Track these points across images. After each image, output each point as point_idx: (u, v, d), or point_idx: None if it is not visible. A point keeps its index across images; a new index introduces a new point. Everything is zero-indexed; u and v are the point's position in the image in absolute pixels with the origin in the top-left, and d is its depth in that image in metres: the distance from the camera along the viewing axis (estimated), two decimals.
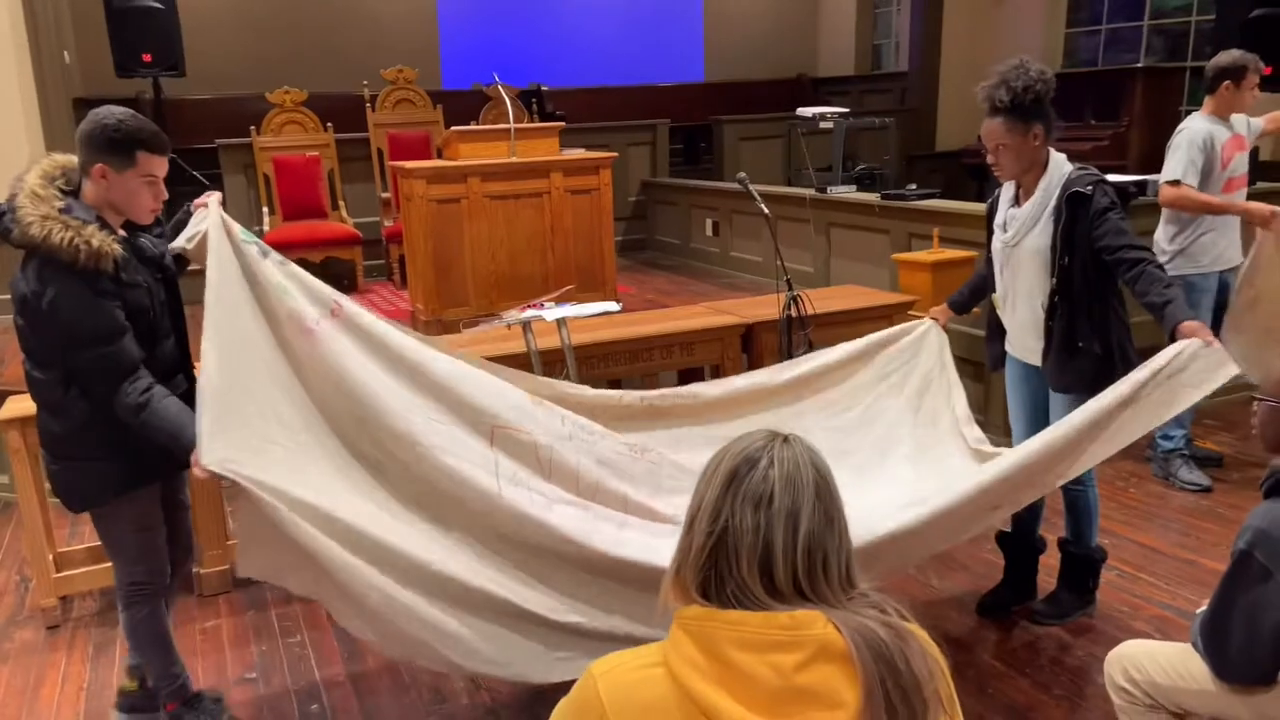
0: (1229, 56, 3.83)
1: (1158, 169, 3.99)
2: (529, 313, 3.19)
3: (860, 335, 3.84)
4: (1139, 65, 6.94)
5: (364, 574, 2.11)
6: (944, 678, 1.10)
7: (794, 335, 3.78)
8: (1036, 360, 2.80)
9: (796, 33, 10.88)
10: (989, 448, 2.73)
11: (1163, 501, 3.86)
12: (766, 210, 3.89)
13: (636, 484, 2.54)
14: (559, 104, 9.09)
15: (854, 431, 2.89)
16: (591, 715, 1.06)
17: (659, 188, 7.90)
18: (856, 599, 1.09)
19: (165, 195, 2.34)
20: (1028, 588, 3.07)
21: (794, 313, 3.73)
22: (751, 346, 4.14)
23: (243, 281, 2.30)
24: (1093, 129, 6.79)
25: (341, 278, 6.82)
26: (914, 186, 5.17)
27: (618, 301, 5.46)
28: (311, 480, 2.19)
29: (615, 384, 4.28)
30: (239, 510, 2.18)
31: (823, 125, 6.00)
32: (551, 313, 3.23)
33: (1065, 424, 2.32)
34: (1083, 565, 2.97)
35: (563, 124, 5.68)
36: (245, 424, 2.17)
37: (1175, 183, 3.75)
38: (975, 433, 2.79)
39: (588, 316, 3.33)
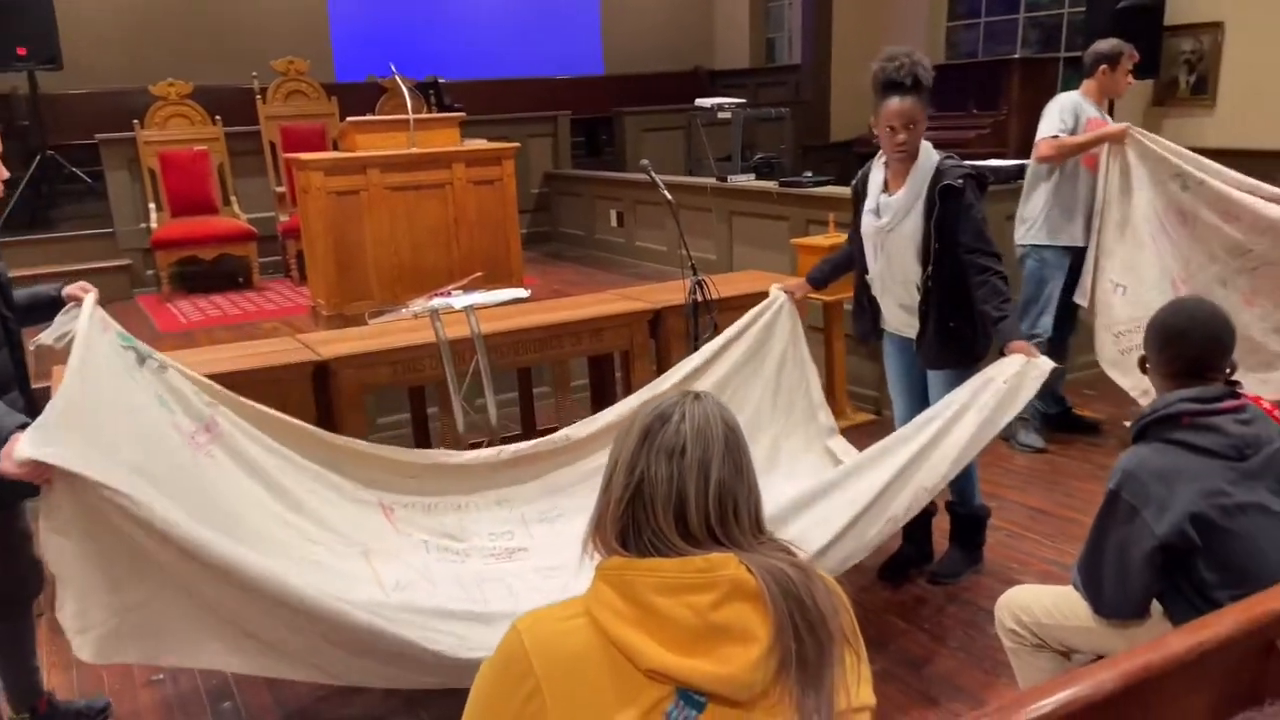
0: (1107, 44, 4.09)
1: None
2: (436, 301, 3.19)
3: None
4: (1016, 56, 7.29)
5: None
6: (847, 613, 1.18)
7: (700, 319, 3.88)
8: (913, 335, 2.97)
9: (692, 26, 11.02)
10: (840, 443, 3.07)
11: (1050, 467, 4.10)
12: (670, 197, 3.97)
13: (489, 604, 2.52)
14: (457, 96, 8.99)
15: None
16: (517, 668, 1.10)
17: (562, 179, 7.91)
18: (766, 543, 1.16)
19: (5, 174, 2.25)
20: (925, 550, 3.23)
21: (699, 297, 3.83)
22: (659, 331, 4.21)
23: (116, 377, 2.14)
24: (975, 118, 7.10)
25: (236, 275, 6.63)
26: (810, 174, 5.32)
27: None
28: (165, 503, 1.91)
29: (525, 372, 4.31)
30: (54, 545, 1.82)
31: (721, 116, 6.12)
32: (459, 300, 3.24)
33: (909, 440, 2.50)
34: (970, 524, 3.15)
35: (463, 115, 5.64)
36: (95, 437, 1.92)
37: (1052, 138, 3.97)
38: (827, 420, 3.11)
39: (496, 304, 3.34)
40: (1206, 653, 1.32)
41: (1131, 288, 3.97)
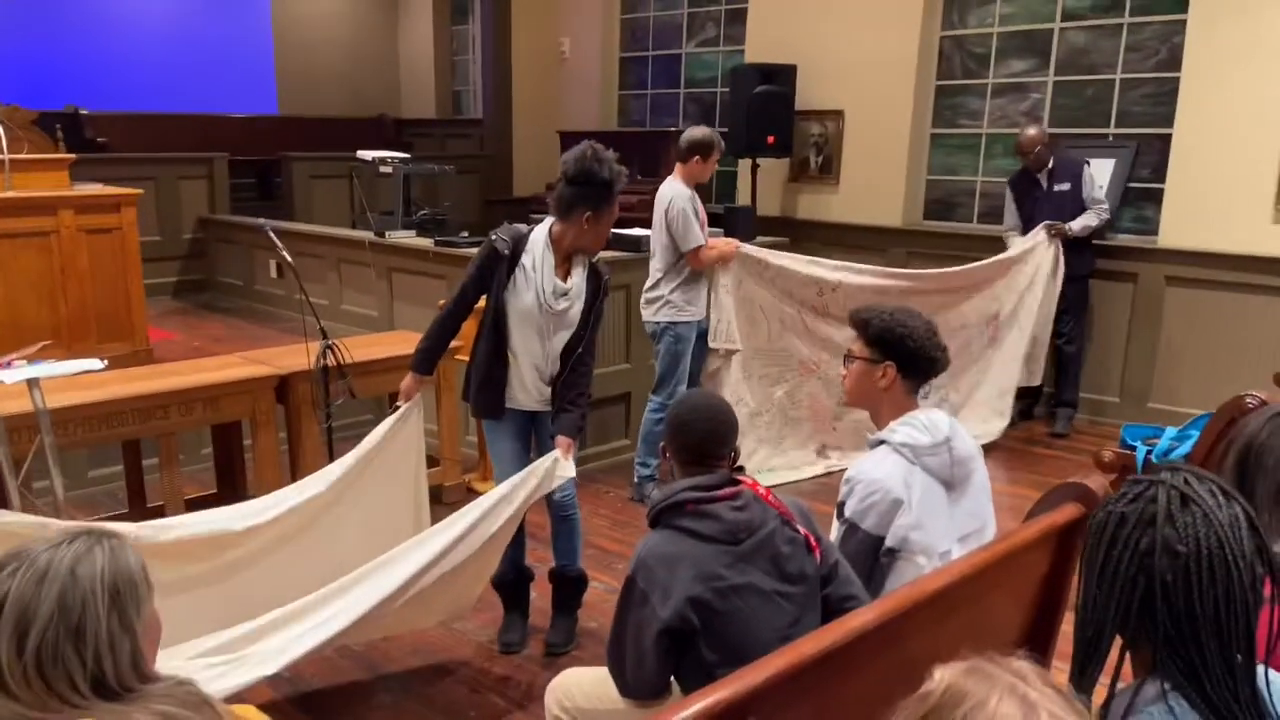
0: (702, 132, 4.38)
1: None
2: None
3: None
4: (675, 129, 7.78)
5: None
6: None
7: (332, 385, 3.70)
8: (543, 408, 3.02)
9: (378, 72, 10.80)
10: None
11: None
12: (289, 258, 3.79)
13: None
14: (102, 130, 8.19)
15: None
16: None
17: (218, 225, 7.38)
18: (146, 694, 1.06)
19: None
20: (524, 612, 3.26)
21: (329, 362, 3.65)
22: (288, 399, 3.98)
23: None
24: (639, 184, 7.45)
25: None
26: (466, 234, 5.31)
27: (146, 349, 5.00)
28: None
29: (133, 444, 3.90)
30: None
31: (383, 170, 5.98)
32: (15, 374, 2.85)
33: (446, 530, 2.58)
34: (576, 587, 3.20)
35: (73, 156, 5.09)
36: None
37: (699, 248, 4.24)
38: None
39: (63, 376, 2.98)
40: None
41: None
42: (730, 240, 4.55)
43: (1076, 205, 5.30)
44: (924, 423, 2.09)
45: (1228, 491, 1.18)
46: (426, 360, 3.08)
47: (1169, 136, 5.51)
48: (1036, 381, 5.50)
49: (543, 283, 2.89)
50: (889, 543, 2.01)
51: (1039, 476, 4.84)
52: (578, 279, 2.95)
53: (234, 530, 2.71)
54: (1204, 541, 1.13)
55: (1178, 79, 5.44)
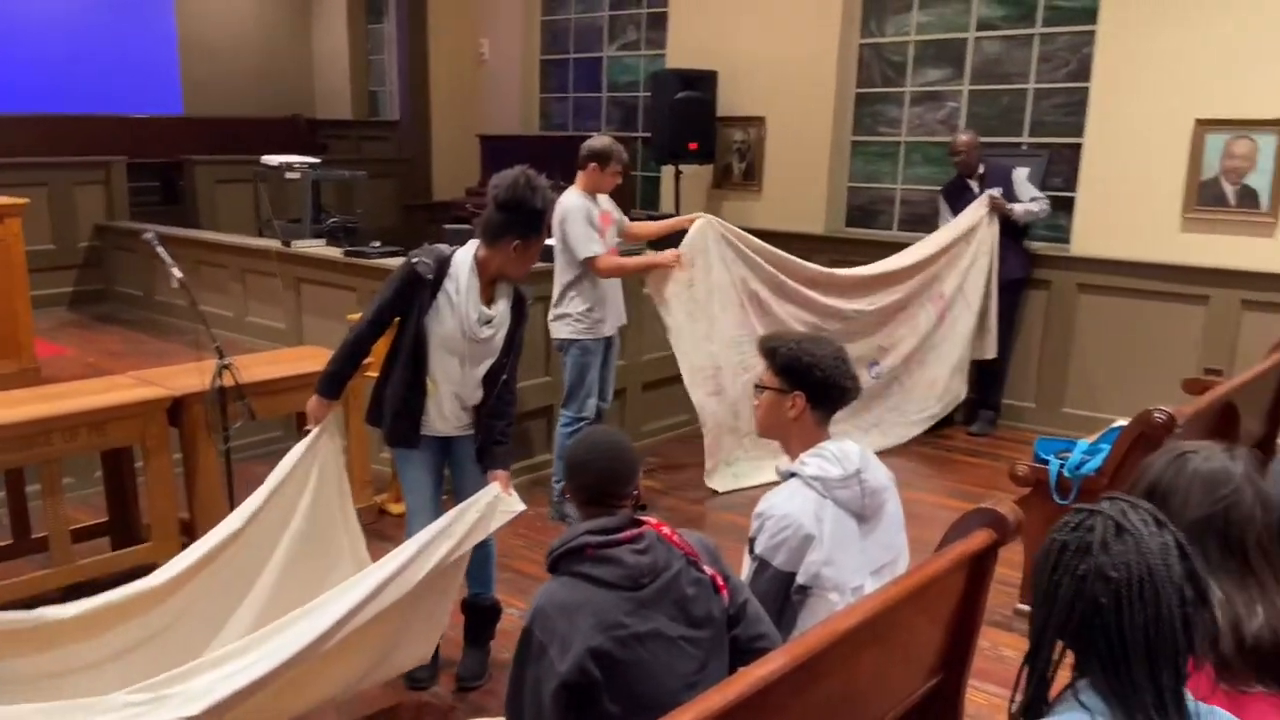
0: (600, 142, 4.27)
1: None
2: None
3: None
4: (598, 133, 7.67)
5: None
6: None
7: (230, 406, 3.51)
8: (462, 433, 2.92)
9: (291, 71, 10.45)
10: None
11: None
12: (179, 275, 3.60)
13: None
14: None
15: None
16: None
17: (116, 233, 7.03)
18: None
19: None
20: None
21: (226, 382, 3.47)
22: (183, 422, 3.76)
23: None
24: (560, 189, 7.34)
25: None
26: (378, 244, 5.13)
27: (34, 368, 4.72)
28: None
29: (16, 471, 3.65)
30: None
31: (289, 176, 5.75)
32: None
33: (379, 570, 2.42)
34: (488, 618, 3.08)
35: None
36: None
37: (594, 256, 4.12)
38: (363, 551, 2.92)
39: None
40: None
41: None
42: (670, 252, 4.43)
43: (1011, 230, 5.40)
44: (834, 454, 2.02)
45: (1161, 520, 1.26)
46: (334, 384, 2.90)
47: (1080, 146, 5.60)
48: (991, 354, 5.53)
49: (467, 309, 2.76)
50: (800, 579, 1.95)
51: (956, 484, 4.87)
52: (502, 306, 2.84)
53: (153, 586, 2.57)
54: (1135, 568, 1.22)
55: (1088, 89, 5.54)
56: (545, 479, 4.70)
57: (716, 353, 4.68)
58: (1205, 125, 5.09)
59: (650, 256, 4.51)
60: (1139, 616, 1.20)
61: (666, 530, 1.81)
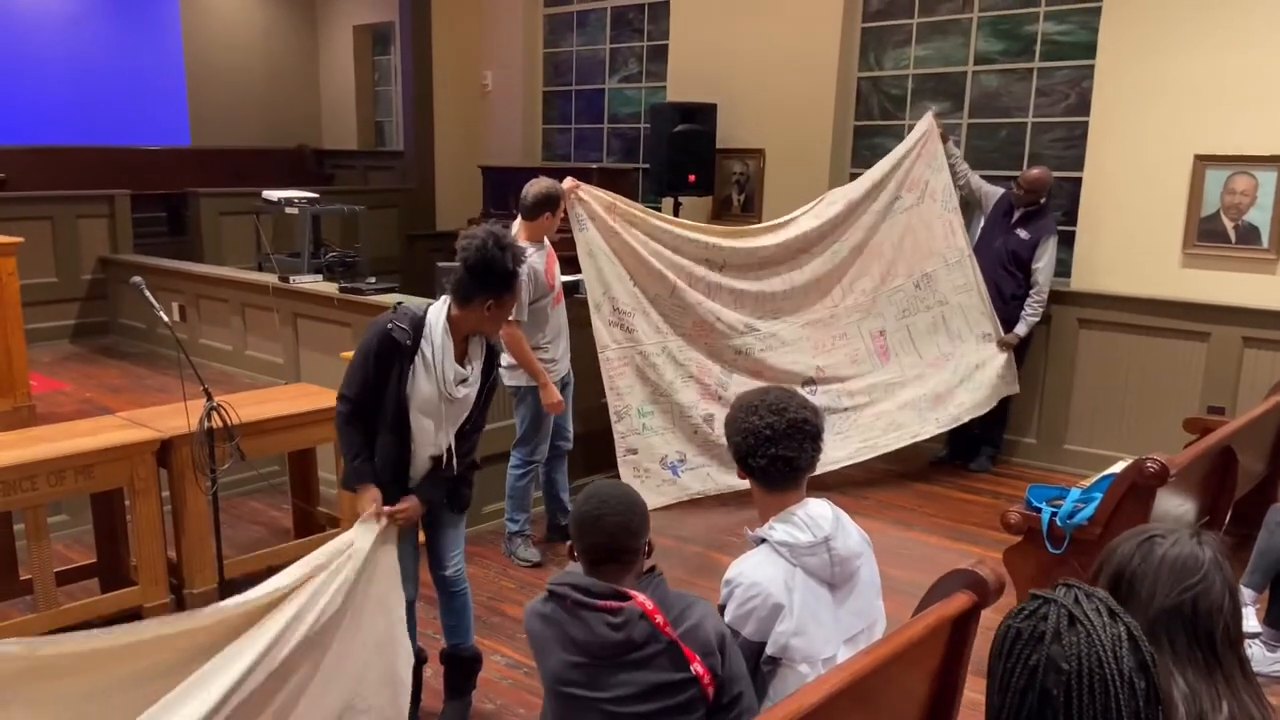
0: (545, 185, 4.07)
1: None
2: None
3: (301, 440, 3.54)
4: (595, 166, 7.69)
5: None
6: None
7: (219, 448, 3.50)
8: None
9: (297, 102, 10.54)
10: None
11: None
12: (167, 319, 3.59)
13: None
14: (2, 166, 7.83)
15: None
16: None
17: (120, 266, 7.07)
18: None
19: None
20: (417, 698, 3.06)
21: (215, 424, 3.46)
22: (171, 463, 3.74)
23: None
24: (563, 222, 7.35)
25: None
26: (373, 280, 5.13)
27: (28, 406, 4.72)
28: None
29: (3, 515, 3.64)
30: None
31: (288, 210, 5.77)
32: None
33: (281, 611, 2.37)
34: (469, 668, 3.04)
35: None
36: None
37: (512, 319, 3.84)
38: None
39: None
40: None
41: None
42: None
43: (1017, 263, 5.31)
44: (803, 520, 1.98)
45: (1114, 611, 1.26)
46: (356, 476, 2.79)
47: (1080, 180, 5.56)
48: (1014, 390, 5.46)
49: (444, 371, 2.70)
50: (770, 650, 1.90)
51: (954, 523, 4.82)
52: (477, 364, 2.81)
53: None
54: (1085, 660, 1.21)
55: (1087, 123, 5.51)
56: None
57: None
58: (1205, 161, 5.06)
59: (544, 377, 4.12)
60: (1088, 710, 1.20)
61: (660, 620, 1.76)
